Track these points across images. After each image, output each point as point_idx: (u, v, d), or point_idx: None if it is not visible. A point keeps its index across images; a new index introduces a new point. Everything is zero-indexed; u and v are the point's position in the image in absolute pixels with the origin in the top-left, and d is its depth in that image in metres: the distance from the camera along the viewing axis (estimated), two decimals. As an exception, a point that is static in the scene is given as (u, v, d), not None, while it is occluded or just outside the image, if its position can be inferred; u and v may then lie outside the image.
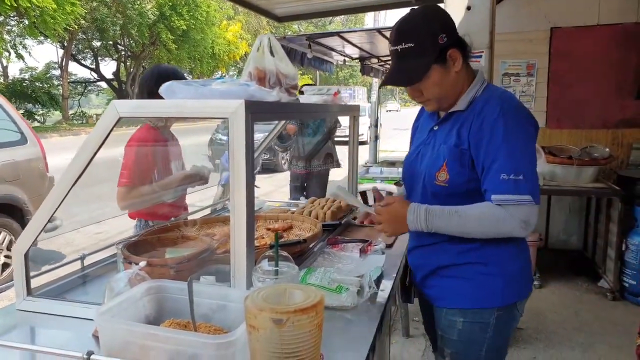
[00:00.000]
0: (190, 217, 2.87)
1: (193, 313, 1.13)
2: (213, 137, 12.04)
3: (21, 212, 5.01)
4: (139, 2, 25.92)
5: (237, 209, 1.27)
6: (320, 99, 2.17)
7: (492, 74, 3.17)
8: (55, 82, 28.33)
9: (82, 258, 1.78)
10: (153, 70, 2.44)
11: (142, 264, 1.36)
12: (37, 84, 26.79)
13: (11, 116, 5.14)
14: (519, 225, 1.39)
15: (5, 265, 4.90)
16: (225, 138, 10.02)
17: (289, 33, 24.47)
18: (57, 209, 1.40)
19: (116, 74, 31.45)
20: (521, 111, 1.46)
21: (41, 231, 1.44)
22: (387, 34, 6.58)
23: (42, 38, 23.33)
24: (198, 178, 2.48)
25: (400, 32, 1.49)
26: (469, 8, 3.15)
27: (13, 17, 21.53)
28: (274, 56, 1.76)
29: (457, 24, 3.33)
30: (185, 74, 2.56)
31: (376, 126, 9.31)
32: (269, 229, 2.18)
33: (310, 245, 2.00)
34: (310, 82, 35.20)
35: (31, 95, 25.05)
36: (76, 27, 22.52)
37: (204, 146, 11.75)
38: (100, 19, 24.96)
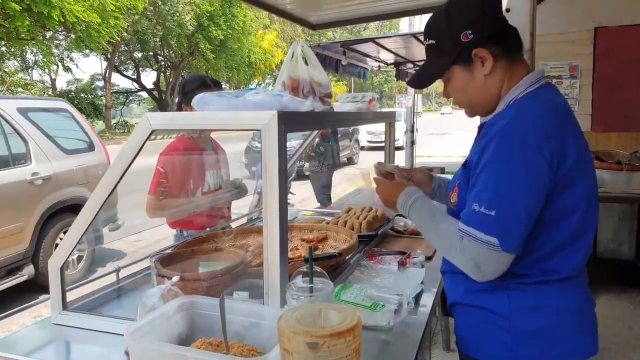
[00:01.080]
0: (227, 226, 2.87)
1: (225, 332, 1.09)
2: (250, 144, 12.15)
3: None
4: (178, 14, 26.58)
5: (269, 223, 1.23)
6: (354, 106, 2.11)
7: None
8: (100, 93, 29.36)
9: (117, 270, 1.78)
10: (184, 79, 2.49)
11: (175, 279, 1.34)
12: (82, 95, 27.83)
13: (82, 126, 5.61)
14: (467, 264, 1.17)
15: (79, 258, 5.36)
16: (260, 146, 10.08)
17: (324, 40, 24.56)
18: (92, 222, 1.39)
19: (156, 83, 32.33)
20: (529, 134, 1.14)
21: (76, 245, 1.43)
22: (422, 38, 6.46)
23: (88, 51, 24.24)
24: (234, 189, 2.49)
25: (426, 26, 1.34)
26: (507, 10, 3.03)
27: (61, 31, 22.46)
28: (307, 65, 1.73)
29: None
30: (222, 83, 2.57)
31: (412, 131, 9.17)
32: (303, 240, 2.13)
33: (347, 258, 1.95)
34: (345, 89, 35.32)
35: (76, 105, 26.00)
36: (119, 39, 23.27)
37: (241, 154, 11.86)
38: (141, 31, 25.76)
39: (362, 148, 17.40)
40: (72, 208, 5.19)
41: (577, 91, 4.81)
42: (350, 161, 15.13)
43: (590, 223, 1.26)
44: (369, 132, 18.00)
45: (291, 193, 9.12)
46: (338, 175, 12.24)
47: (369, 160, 14.54)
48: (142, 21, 25.83)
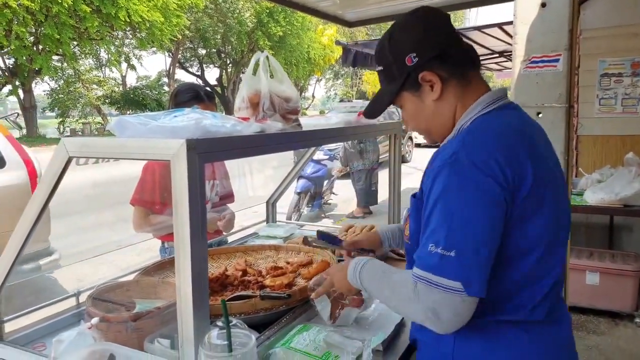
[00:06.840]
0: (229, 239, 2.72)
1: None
2: (298, 142, 12.11)
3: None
4: (237, 11, 27.03)
5: (182, 272, 1.06)
6: (344, 118, 1.91)
7: (572, 79, 2.65)
8: (165, 89, 30.46)
9: (77, 295, 1.68)
10: (176, 88, 2.37)
11: (95, 320, 1.21)
12: (147, 91, 29.03)
13: None
14: (424, 314, 1.02)
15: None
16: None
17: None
18: (17, 256, 1.29)
19: (219, 80, 33.07)
20: (477, 159, 1.03)
21: (6, 277, 1.34)
22: (470, 34, 6.14)
23: (155, 49, 25.20)
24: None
25: (375, 51, 1.28)
26: (543, 5, 2.68)
27: (128, 31, 23.48)
28: (272, 77, 1.55)
29: (530, 24, 2.87)
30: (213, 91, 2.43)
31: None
32: (288, 263, 1.98)
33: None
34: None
35: (141, 101, 27.20)
36: (180, 37, 23.98)
37: (291, 152, 11.82)
38: (202, 28, 26.41)
39: (419, 145, 16.86)
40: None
41: (640, 90, 4.30)
42: (403, 159, 14.73)
43: (554, 262, 1.12)
44: (425, 129, 17.41)
45: (333, 193, 9.01)
46: (386, 175, 11.92)
47: (424, 159, 14.06)
48: (203, 19, 26.47)
